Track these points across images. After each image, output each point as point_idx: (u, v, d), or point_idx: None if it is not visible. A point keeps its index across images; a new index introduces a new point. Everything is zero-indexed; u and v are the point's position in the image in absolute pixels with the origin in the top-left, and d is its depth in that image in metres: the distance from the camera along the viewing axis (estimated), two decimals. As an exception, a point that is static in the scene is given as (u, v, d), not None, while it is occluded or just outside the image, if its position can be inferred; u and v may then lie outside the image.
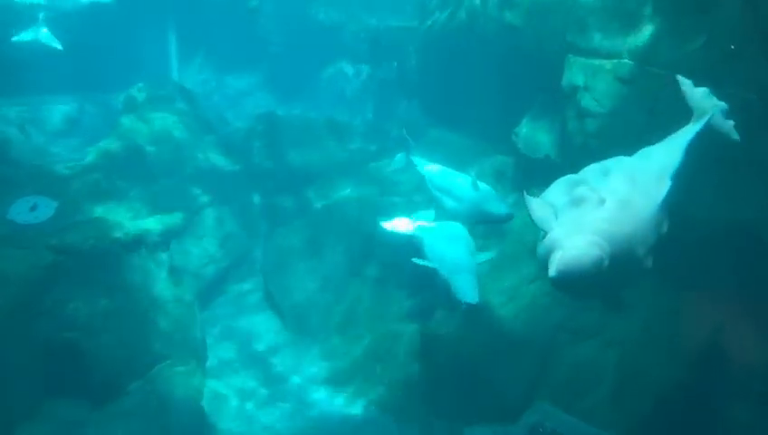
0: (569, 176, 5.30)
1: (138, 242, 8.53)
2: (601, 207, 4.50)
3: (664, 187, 4.68)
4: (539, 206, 5.02)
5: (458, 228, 7.80)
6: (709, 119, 5.36)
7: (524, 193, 5.38)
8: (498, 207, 7.53)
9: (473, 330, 7.93)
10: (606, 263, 4.04)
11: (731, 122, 5.47)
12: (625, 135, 6.91)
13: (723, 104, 5.51)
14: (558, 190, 5.13)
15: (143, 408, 7.47)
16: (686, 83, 5.69)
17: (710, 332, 6.30)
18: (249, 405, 8.02)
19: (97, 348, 7.54)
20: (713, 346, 6.15)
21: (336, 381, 8.32)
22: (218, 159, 10.89)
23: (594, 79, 7.38)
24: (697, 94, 5.55)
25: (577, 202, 4.65)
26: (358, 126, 11.82)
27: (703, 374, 6.20)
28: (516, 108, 9.80)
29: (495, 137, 10.35)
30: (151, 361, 7.99)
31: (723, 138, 5.44)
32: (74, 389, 7.35)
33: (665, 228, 4.59)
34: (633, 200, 4.48)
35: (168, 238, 9.17)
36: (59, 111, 12.61)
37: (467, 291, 7.00)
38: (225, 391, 8.17)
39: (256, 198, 10.95)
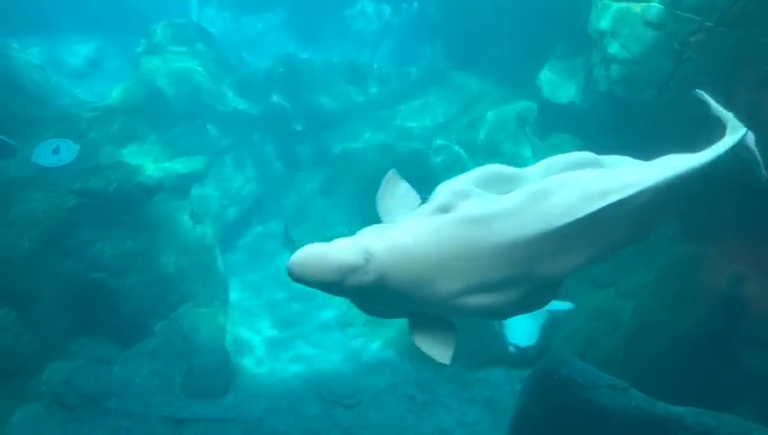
0: (494, 167, 4.19)
1: (160, 185, 8.63)
2: (433, 217, 3.47)
3: (583, 210, 3.27)
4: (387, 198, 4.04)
5: None
6: (744, 136, 4.25)
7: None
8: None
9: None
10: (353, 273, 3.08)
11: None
12: (651, 82, 6.76)
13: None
14: (464, 180, 3.99)
15: (168, 347, 7.72)
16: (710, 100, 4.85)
17: (726, 282, 6.27)
18: (269, 346, 8.22)
19: (122, 288, 7.74)
20: (729, 297, 6.13)
21: (354, 324, 8.48)
22: (238, 102, 10.86)
23: (621, 23, 7.17)
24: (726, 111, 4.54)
25: (439, 206, 3.58)
26: (378, 69, 11.66)
27: (717, 325, 6.21)
28: (541, 52, 9.60)
29: (518, 81, 10.19)
30: (175, 301, 8.20)
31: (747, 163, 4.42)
32: (102, 328, 7.61)
33: (542, 269, 3.24)
34: (491, 220, 3.27)
35: (189, 181, 9.27)
36: (79, 51, 12.58)
37: (522, 333, 6.59)
38: (247, 331, 8.38)
39: (276, 142, 10.94)
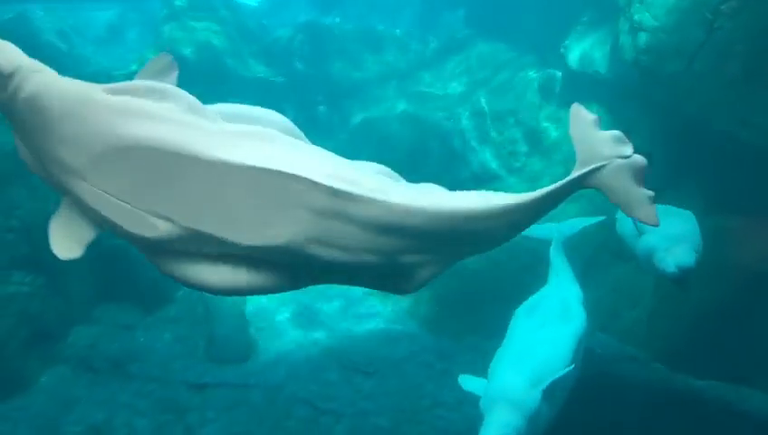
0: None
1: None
2: None
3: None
4: None
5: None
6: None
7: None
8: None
9: (510, 249, 7.96)
10: None
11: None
12: (680, 52, 6.60)
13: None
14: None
15: (189, 314, 7.82)
16: None
17: (754, 256, 6.20)
18: (290, 312, 8.30)
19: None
20: (755, 272, 6.07)
21: (374, 294, 8.52)
22: (259, 70, 10.81)
23: (651, -10, 6.99)
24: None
25: None
26: (400, 36, 11.51)
27: (742, 298, 6.16)
28: (565, 19, 9.41)
29: (542, 49, 10.02)
30: (197, 269, 8.28)
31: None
32: (124, 294, 7.72)
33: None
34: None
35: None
36: (101, 18, 12.57)
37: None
38: (267, 300, 8.45)
39: (297, 110, 10.90)
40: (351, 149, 9.97)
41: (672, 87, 6.76)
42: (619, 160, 2.85)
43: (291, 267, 2.72)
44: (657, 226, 2.89)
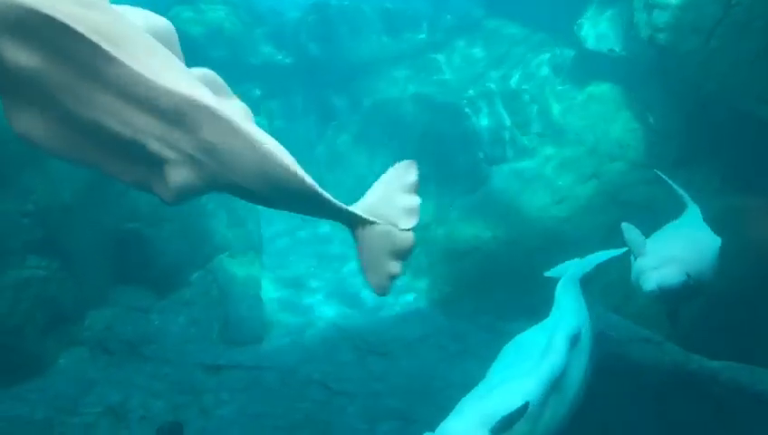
0: None
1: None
2: None
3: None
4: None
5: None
6: None
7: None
8: None
9: (523, 231, 7.94)
10: None
11: None
12: (697, 29, 6.49)
13: None
14: None
15: (204, 297, 7.88)
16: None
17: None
18: (304, 295, 8.33)
19: (158, 239, 7.87)
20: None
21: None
22: (270, 52, 10.76)
23: (667, -35, 6.87)
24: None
25: None
26: (412, 16, 11.39)
27: (758, 278, 6.10)
28: (580, -3, 9.28)
29: (556, 28, 9.90)
30: (210, 252, 8.33)
31: None
32: (139, 278, 7.77)
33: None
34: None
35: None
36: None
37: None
38: (281, 282, 8.49)
39: (308, 92, 10.87)
40: (363, 131, 9.98)
41: (688, 64, 6.66)
42: (392, 228, 2.94)
43: None
44: (385, 296, 2.98)
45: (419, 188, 3.11)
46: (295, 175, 2.72)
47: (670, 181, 6.23)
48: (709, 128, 6.88)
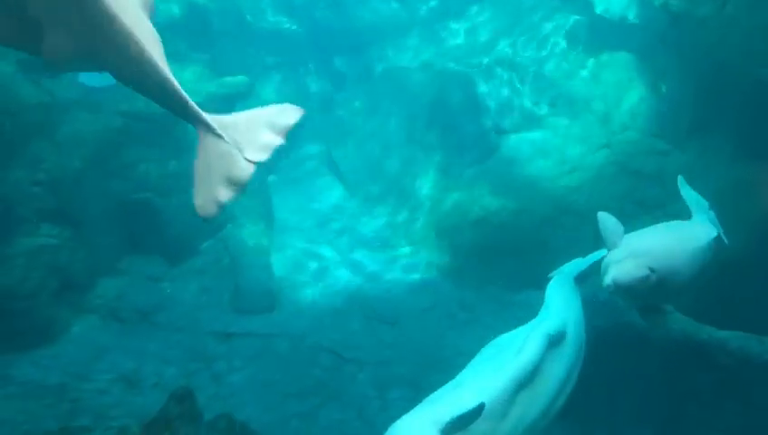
0: None
1: (203, 106, 8.59)
2: None
3: None
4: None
5: None
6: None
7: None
8: None
9: (532, 200, 7.91)
10: None
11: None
12: (712, -6, 6.36)
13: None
14: None
15: (215, 266, 7.93)
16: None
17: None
18: (314, 264, 8.36)
19: (169, 208, 7.90)
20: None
21: (397, 246, 8.55)
22: (280, 20, 10.64)
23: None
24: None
25: None
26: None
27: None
28: (593, -37, 9.10)
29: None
30: (221, 221, 8.36)
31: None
32: (150, 247, 7.83)
33: None
34: None
35: (232, 102, 9.23)
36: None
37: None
38: (291, 252, 8.52)
39: (317, 60, 10.78)
40: (372, 99, 9.91)
41: (703, 32, 6.54)
42: (236, 153, 2.96)
43: None
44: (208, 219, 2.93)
45: (289, 134, 2.98)
46: (157, 61, 2.86)
47: (685, 190, 5.75)
48: (723, 96, 6.78)
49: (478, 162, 8.76)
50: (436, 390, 4.24)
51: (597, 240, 6.72)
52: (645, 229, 4.99)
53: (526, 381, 4.20)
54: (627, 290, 4.43)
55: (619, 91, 8.55)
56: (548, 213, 7.72)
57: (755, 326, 5.38)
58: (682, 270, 4.69)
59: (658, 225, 5.21)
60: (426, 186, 8.95)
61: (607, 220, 4.72)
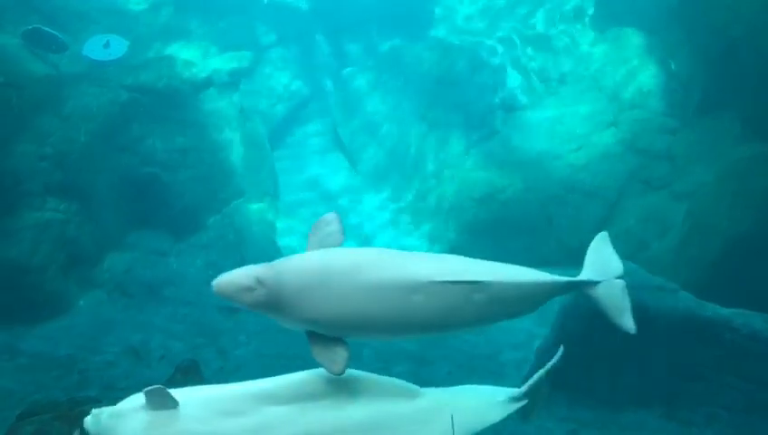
0: None
1: (208, 81, 8.60)
2: None
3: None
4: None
5: None
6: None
7: None
8: None
9: (539, 178, 7.89)
10: None
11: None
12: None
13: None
14: None
15: (221, 240, 7.96)
16: None
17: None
18: (319, 241, 8.36)
19: (175, 183, 7.93)
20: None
21: (399, 223, 8.55)
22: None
23: None
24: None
25: None
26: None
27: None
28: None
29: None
30: (227, 197, 8.38)
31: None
32: (156, 222, 7.86)
33: None
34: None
35: (237, 78, 9.21)
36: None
37: None
38: (297, 227, 8.53)
39: (323, 37, 10.69)
40: (378, 75, 9.84)
41: (715, 8, 6.46)
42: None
43: None
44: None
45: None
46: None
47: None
48: (733, 74, 6.72)
49: (485, 139, 8.73)
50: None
51: (602, 219, 6.72)
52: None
53: None
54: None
55: (629, 69, 8.47)
56: (554, 191, 7.71)
57: (759, 303, 5.38)
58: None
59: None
60: (432, 163, 8.93)
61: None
